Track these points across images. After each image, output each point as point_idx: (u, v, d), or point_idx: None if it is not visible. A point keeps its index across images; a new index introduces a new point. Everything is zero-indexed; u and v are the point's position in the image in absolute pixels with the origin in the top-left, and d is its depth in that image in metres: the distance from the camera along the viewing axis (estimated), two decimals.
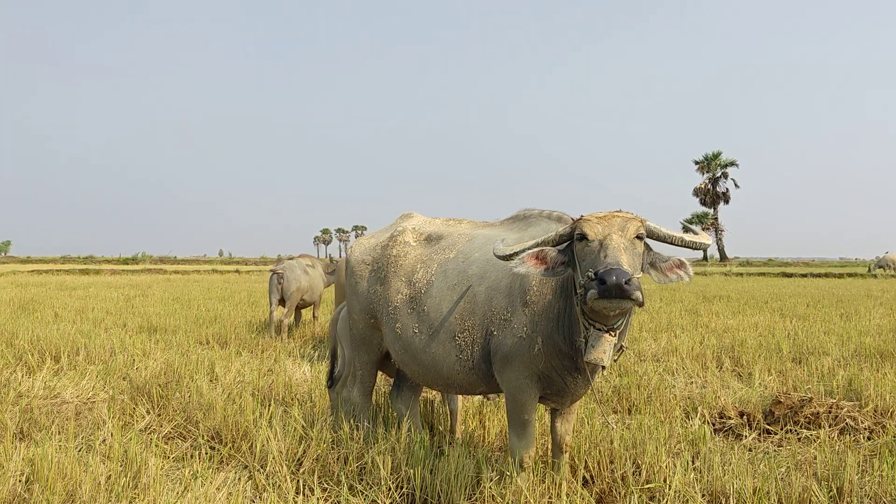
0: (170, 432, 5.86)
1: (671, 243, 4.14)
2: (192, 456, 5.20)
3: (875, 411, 6.44)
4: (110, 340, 10.35)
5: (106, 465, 4.64)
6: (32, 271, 45.21)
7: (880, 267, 45.43)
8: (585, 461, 4.86)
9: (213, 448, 5.42)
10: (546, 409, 5.53)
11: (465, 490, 4.35)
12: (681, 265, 4.04)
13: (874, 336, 11.13)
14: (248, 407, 5.77)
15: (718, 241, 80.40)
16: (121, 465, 4.67)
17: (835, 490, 4.43)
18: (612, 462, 4.84)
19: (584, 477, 4.77)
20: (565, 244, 4.07)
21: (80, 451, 5.03)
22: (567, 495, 4.23)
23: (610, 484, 4.66)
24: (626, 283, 3.49)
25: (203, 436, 5.59)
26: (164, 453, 5.25)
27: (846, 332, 11.89)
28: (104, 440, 5.36)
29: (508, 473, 4.38)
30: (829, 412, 6.19)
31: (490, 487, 4.28)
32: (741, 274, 47.02)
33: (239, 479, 4.66)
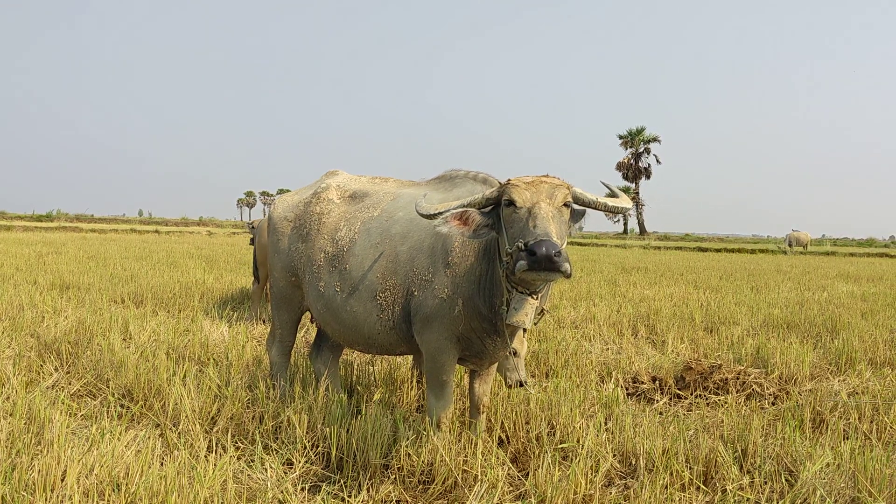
0: (79, 390, 5.67)
1: (595, 208, 4.17)
2: (101, 414, 5.03)
3: (780, 378, 6.73)
4: (19, 297, 9.93)
5: (8, 421, 4.45)
6: None
7: (788, 244, 47.31)
8: (502, 422, 4.91)
9: (123, 406, 5.27)
10: (465, 371, 5.56)
11: (382, 448, 4.34)
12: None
13: (782, 308, 11.61)
14: (162, 365, 5.63)
15: (639, 215, 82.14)
16: (24, 422, 4.49)
17: (740, 451, 4.60)
18: (527, 423, 4.91)
19: (500, 437, 4.83)
20: (490, 207, 4.06)
21: None
22: (482, 454, 4.27)
23: (525, 444, 4.73)
24: (555, 254, 3.48)
25: (114, 394, 5.43)
26: (72, 410, 5.08)
27: (756, 303, 12.37)
28: (8, 397, 5.14)
29: (425, 433, 4.39)
30: (738, 378, 6.43)
31: (406, 446, 4.29)
32: (659, 248, 48.33)
33: (149, 437, 4.54)
